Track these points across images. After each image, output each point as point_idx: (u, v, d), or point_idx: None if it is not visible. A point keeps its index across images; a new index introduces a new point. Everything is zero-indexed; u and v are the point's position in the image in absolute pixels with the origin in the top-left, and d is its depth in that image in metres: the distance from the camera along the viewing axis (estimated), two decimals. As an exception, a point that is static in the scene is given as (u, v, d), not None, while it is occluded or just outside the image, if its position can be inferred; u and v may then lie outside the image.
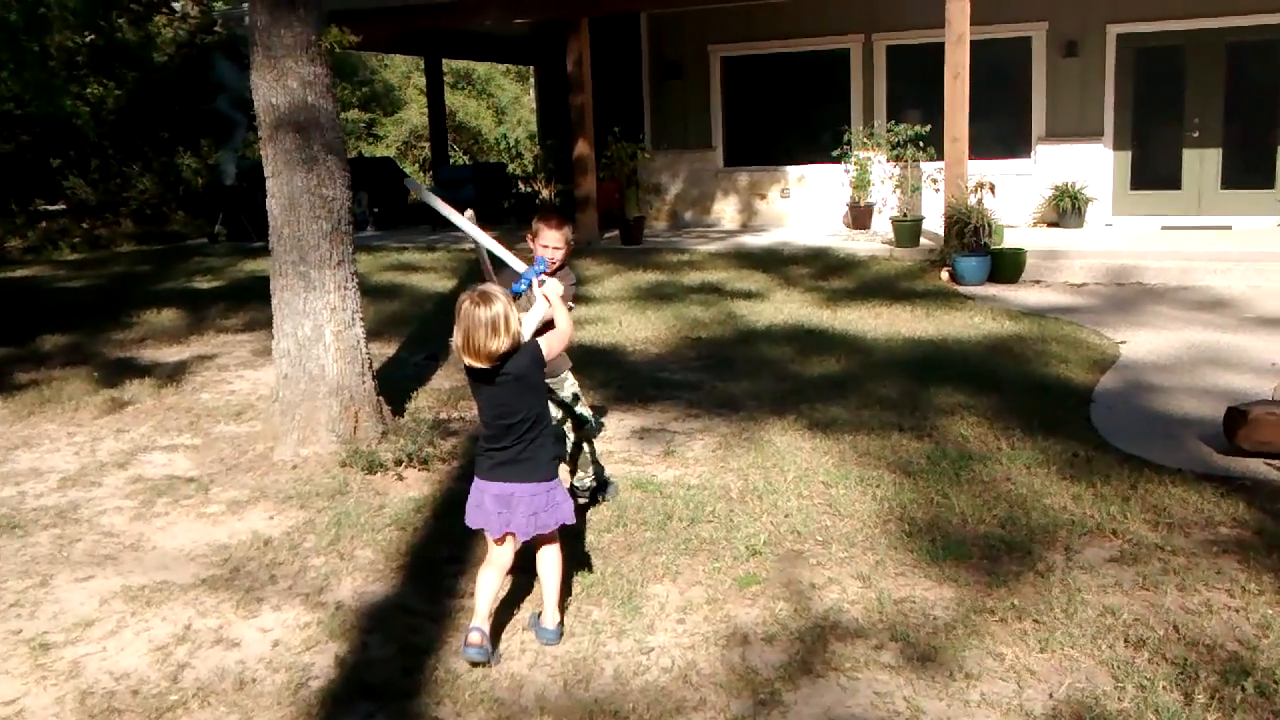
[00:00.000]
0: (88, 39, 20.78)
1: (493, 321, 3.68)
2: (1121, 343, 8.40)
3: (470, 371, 3.83)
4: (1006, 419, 6.35)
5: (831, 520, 4.94)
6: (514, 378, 3.81)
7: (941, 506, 5.04)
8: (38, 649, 3.98)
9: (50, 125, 19.57)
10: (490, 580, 3.90)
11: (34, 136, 19.88)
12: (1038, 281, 11.40)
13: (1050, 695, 3.48)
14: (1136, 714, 3.35)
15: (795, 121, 16.00)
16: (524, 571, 4.31)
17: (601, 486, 5.38)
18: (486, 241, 4.56)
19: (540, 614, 4.01)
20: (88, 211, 19.74)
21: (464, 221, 4.65)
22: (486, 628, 3.80)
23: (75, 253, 16.84)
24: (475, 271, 3.83)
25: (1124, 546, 4.58)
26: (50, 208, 20.47)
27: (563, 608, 4.06)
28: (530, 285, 4.16)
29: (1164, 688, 3.47)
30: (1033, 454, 5.74)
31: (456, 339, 3.75)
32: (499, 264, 4.58)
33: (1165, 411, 6.61)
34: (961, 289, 11.04)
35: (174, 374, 8.06)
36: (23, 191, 20.37)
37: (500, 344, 3.71)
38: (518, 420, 3.84)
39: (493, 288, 3.82)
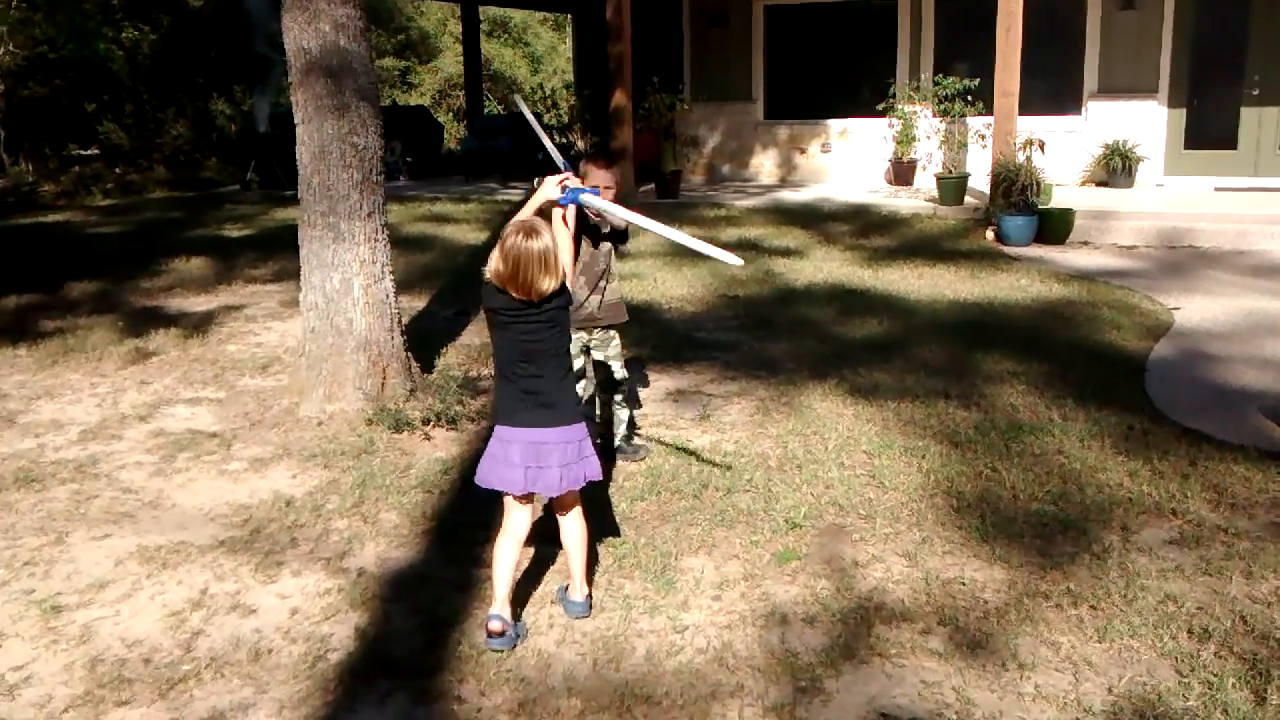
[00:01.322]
0: (122, -19, 20.60)
1: (545, 256, 3.52)
2: (1175, 309, 8.09)
3: (502, 307, 3.61)
4: (1058, 387, 6.09)
5: (875, 493, 4.72)
6: (550, 315, 3.62)
7: (991, 480, 4.81)
8: (49, 611, 3.85)
9: (85, 69, 19.42)
10: (509, 554, 3.69)
11: (68, 81, 19.77)
12: (1086, 243, 11.04)
13: (1109, 690, 3.26)
14: (1204, 713, 3.13)
15: (838, 74, 15.57)
16: (549, 541, 4.14)
17: (609, 447, 5.20)
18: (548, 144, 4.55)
19: (568, 586, 3.83)
20: (121, 157, 19.63)
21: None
22: (507, 613, 3.61)
23: (108, 198, 16.76)
24: (510, 222, 3.64)
25: (1184, 527, 4.34)
26: (84, 152, 20.40)
27: (591, 579, 3.89)
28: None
29: (1233, 685, 3.24)
30: (1086, 426, 5.48)
31: (499, 269, 3.54)
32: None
33: (1224, 383, 6.32)
34: (1007, 249, 10.71)
35: (200, 324, 7.92)
36: (57, 136, 20.30)
37: (550, 284, 3.55)
38: (549, 358, 3.65)
39: (538, 220, 3.65)
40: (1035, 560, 4.08)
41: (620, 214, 4.43)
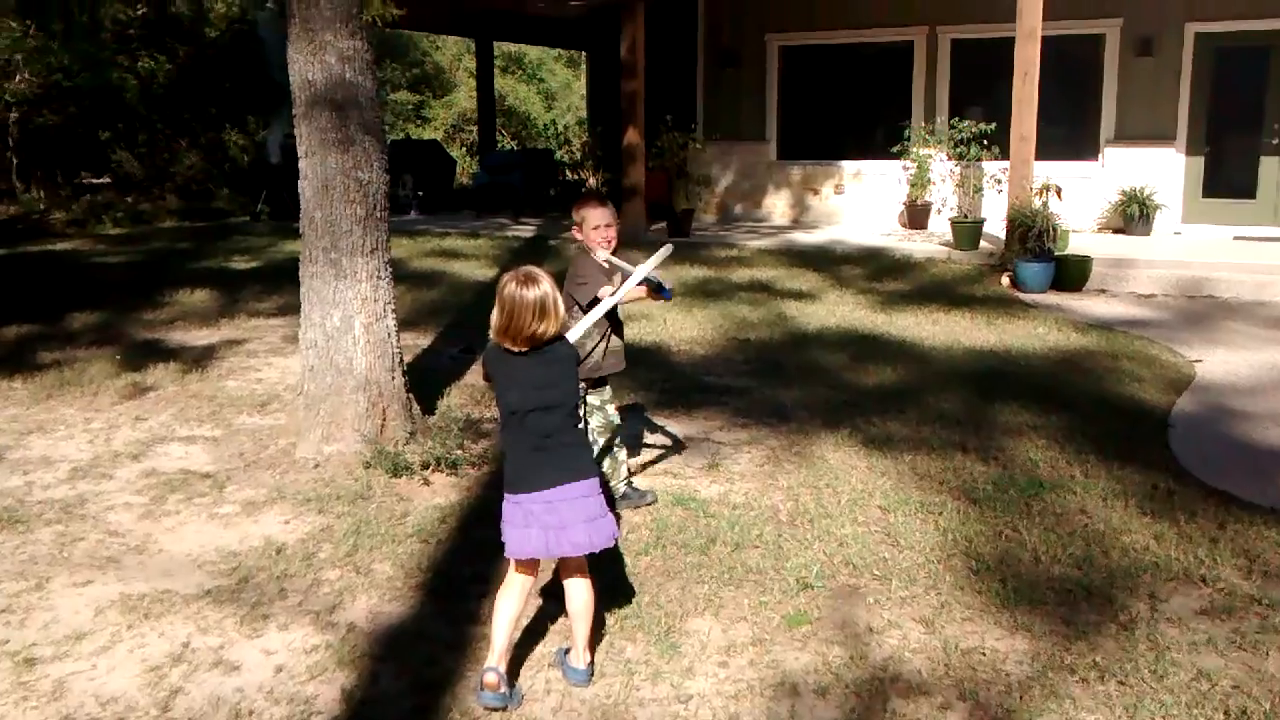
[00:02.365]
0: (140, 12, 20.62)
1: (540, 303, 3.38)
2: (1197, 361, 7.89)
3: (505, 358, 3.46)
4: (1078, 442, 5.90)
5: (890, 552, 4.52)
6: (556, 359, 3.47)
7: (1011, 541, 4.61)
8: (22, 664, 3.67)
9: (99, 98, 19.43)
10: (510, 608, 3.51)
11: (83, 109, 19.75)
12: (1103, 291, 10.87)
13: (1142, 776, 3.06)
14: (1244, 806, 2.92)
15: (853, 115, 15.49)
16: (552, 598, 3.96)
17: (611, 496, 5.01)
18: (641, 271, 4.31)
19: (569, 650, 3.63)
20: (133, 186, 19.60)
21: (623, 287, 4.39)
22: (503, 667, 3.42)
23: (118, 227, 16.70)
24: (519, 258, 3.51)
25: (1215, 596, 4.14)
26: (96, 181, 20.37)
27: (593, 644, 3.68)
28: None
29: (1275, 775, 3.04)
30: (1109, 484, 5.28)
31: (496, 319, 3.41)
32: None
33: (1250, 440, 6.12)
34: (1023, 296, 10.54)
35: (200, 359, 7.77)
36: (70, 164, 20.27)
37: (547, 328, 3.40)
38: (556, 406, 3.47)
39: (537, 269, 3.49)
40: (1059, 629, 3.87)
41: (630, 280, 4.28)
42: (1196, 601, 4.10)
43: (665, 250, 4.24)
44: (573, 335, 3.66)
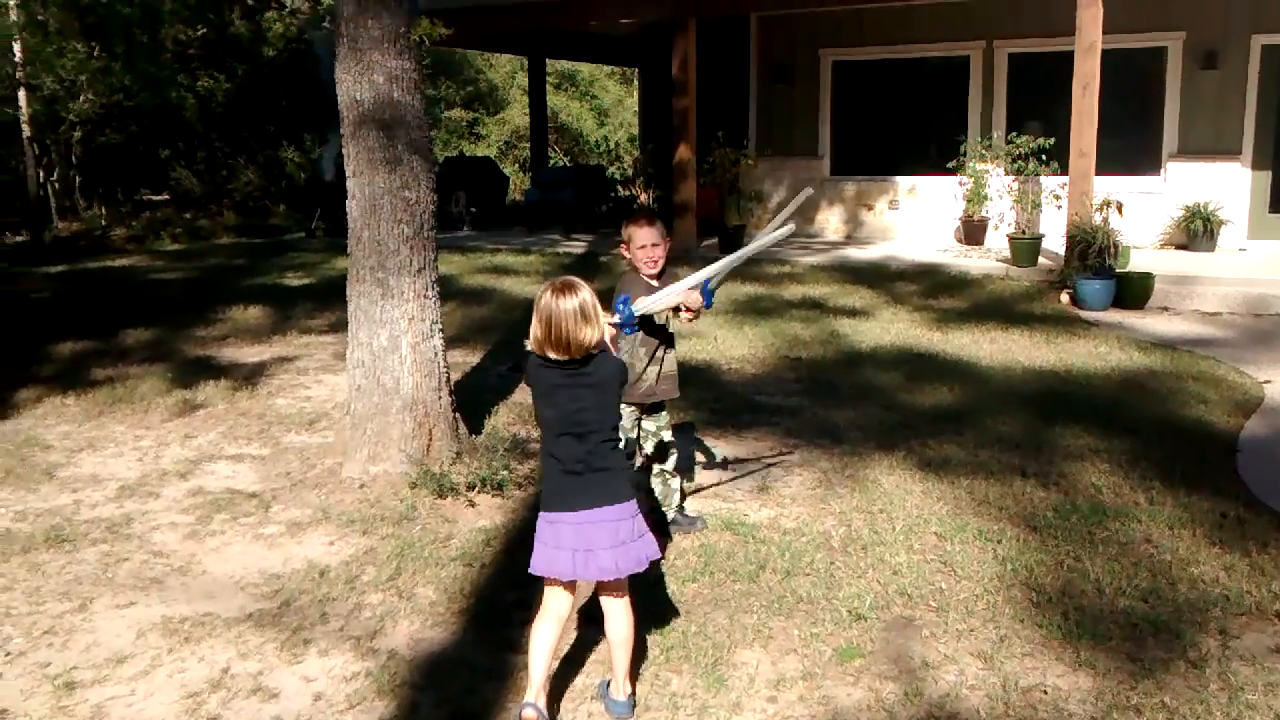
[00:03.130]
0: (200, 32, 20.95)
1: (580, 310, 3.30)
2: (1266, 382, 7.62)
3: (545, 374, 3.38)
4: (1142, 467, 5.69)
5: (947, 582, 4.37)
6: (597, 381, 3.38)
7: (1073, 572, 4.44)
8: (62, 688, 3.63)
9: (160, 116, 19.75)
10: (547, 637, 3.41)
11: (144, 127, 20.09)
12: (1166, 308, 10.59)
13: (1216, 828, 2.89)
14: None
15: (907, 130, 15.29)
16: (593, 624, 3.85)
17: (663, 521, 4.89)
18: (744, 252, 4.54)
19: (610, 681, 3.53)
20: (192, 202, 19.89)
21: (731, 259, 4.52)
22: (542, 702, 3.32)
23: (176, 243, 16.95)
24: (569, 275, 3.45)
25: (1291, 633, 3.94)
26: (155, 198, 20.71)
27: (636, 675, 3.58)
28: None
29: (1360, 830, 2.86)
30: (1175, 511, 5.08)
31: (536, 333, 3.34)
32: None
33: (1324, 466, 5.88)
34: (1083, 314, 10.30)
35: (251, 376, 7.79)
36: (130, 181, 20.62)
37: (591, 334, 3.32)
38: (593, 430, 3.39)
39: (574, 278, 3.42)
40: (1124, 666, 3.70)
41: (690, 282, 4.29)
42: (1271, 638, 3.91)
43: (734, 259, 4.41)
44: (641, 306, 3.86)
